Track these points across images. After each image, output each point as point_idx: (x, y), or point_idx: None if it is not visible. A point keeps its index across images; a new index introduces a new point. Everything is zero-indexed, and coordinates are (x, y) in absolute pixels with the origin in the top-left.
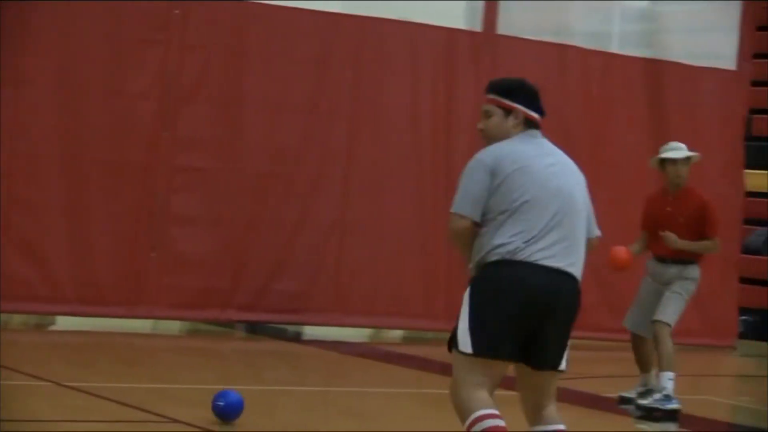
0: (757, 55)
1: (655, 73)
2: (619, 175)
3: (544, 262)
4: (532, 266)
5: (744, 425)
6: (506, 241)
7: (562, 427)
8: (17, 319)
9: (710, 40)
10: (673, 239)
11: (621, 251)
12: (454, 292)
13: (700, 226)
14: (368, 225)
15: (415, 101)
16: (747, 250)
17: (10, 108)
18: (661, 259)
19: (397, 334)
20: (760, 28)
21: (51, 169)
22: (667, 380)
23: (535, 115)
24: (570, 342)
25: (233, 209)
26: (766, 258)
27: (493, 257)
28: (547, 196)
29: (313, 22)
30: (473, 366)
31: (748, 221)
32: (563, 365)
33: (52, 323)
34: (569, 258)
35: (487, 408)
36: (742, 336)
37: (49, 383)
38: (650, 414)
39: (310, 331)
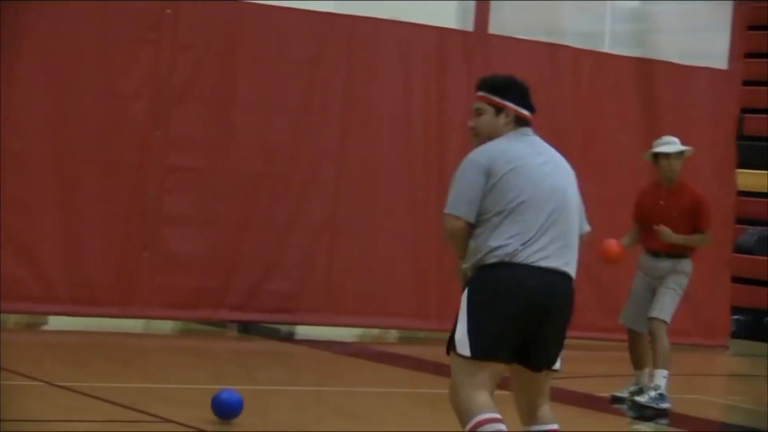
0: (749, 55)
1: (647, 73)
2: (610, 174)
3: (540, 263)
4: (530, 268)
5: (736, 424)
6: (504, 243)
7: (556, 426)
8: (11, 319)
9: (702, 40)
10: (668, 233)
11: (612, 244)
12: (446, 292)
13: (693, 220)
14: (360, 225)
15: (407, 101)
16: (739, 249)
17: (1, 108)
18: (654, 253)
19: (390, 333)
20: (752, 28)
21: (43, 169)
22: (662, 378)
23: (526, 113)
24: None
25: (225, 209)
26: (758, 257)
27: (491, 259)
28: (542, 196)
29: (306, 22)
30: (472, 368)
31: (741, 221)
32: (557, 364)
33: (45, 323)
34: (564, 257)
35: (488, 411)
36: (735, 335)
37: (41, 383)
38: (642, 412)
39: (303, 331)
